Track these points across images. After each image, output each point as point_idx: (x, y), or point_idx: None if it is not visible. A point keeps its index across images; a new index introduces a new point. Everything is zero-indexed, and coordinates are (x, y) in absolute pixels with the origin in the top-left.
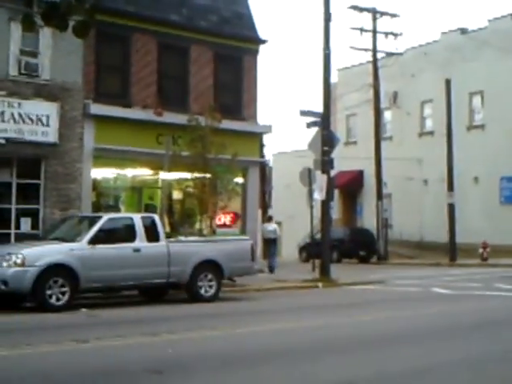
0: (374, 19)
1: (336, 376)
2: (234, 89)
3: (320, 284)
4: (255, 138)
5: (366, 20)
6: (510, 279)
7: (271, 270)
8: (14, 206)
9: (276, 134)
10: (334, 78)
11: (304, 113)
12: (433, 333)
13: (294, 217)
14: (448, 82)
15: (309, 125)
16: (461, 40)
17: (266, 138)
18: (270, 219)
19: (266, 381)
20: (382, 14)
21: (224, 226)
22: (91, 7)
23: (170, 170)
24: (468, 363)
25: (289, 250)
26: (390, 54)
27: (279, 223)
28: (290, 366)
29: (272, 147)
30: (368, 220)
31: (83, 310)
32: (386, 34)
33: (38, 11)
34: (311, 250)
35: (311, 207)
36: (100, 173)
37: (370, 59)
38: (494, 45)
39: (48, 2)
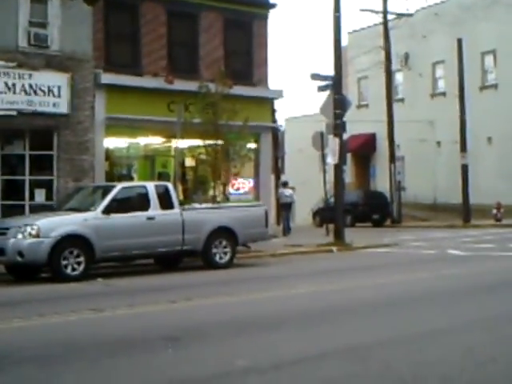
0: None
1: (352, 339)
2: (245, 54)
3: (334, 248)
4: (267, 104)
5: None
6: None
7: (287, 231)
8: (27, 178)
9: (288, 99)
10: (344, 41)
11: (315, 76)
12: (449, 294)
13: (307, 182)
14: (459, 42)
15: (320, 88)
16: None
17: (277, 103)
18: (285, 184)
19: (282, 345)
20: None
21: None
22: None
23: (182, 138)
24: (485, 324)
25: (302, 214)
26: (400, 16)
27: (292, 188)
28: (305, 330)
29: (284, 112)
30: (381, 183)
31: (99, 279)
32: None
33: None
34: (325, 215)
35: (324, 171)
36: (112, 142)
37: (381, 21)
38: (505, 3)
39: None
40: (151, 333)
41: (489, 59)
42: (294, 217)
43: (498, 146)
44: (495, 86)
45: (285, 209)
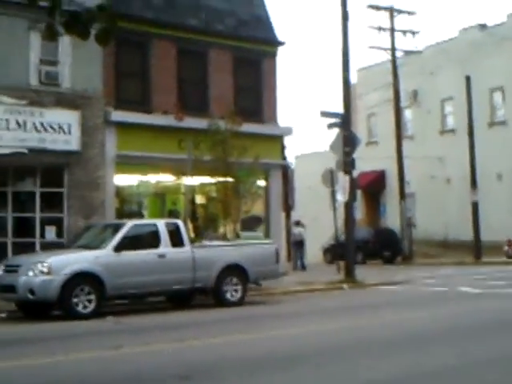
0: (392, 17)
1: (366, 376)
2: (254, 92)
3: (345, 285)
4: (276, 141)
5: (383, 19)
6: None
7: (301, 268)
8: (38, 215)
9: (297, 136)
10: (353, 78)
11: (324, 114)
12: (463, 332)
13: (318, 218)
14: (468, 79)
15: (330, 126)
16: (480, 36)
17: (287, 140)
18: (297, 223)
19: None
20: (400, 11)
21: None
22: (113, 14)
23: (192, 175)
24: (500, 362)
25: (313, 251)
26: (408, 53)
27: (302, 225)
28: (319, 369)
29: (294, 149)
30: (391, 220)
31: (110, 317)
32: (404, 32)
33: (59, 20)
34: (336, 252)
35: (334, 209)
36: (123, 179)
37: (389, 58)
38: None
39: (70, 10)
40: (162, 371)
41: (497, 96)
42: (304, 254)
43: (508, 182)
44: (504, 123)
45: (296, 247)
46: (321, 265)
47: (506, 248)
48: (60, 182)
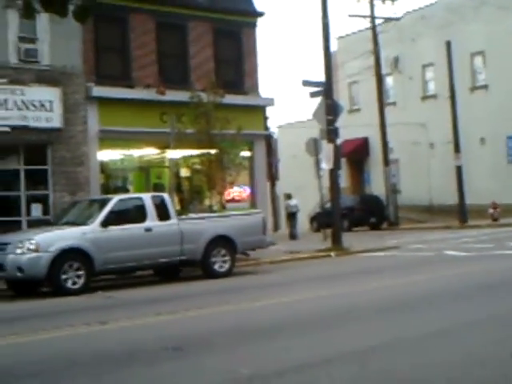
0: None
1: (354, 343)
2: (235, 63)
3: (333, 253)
4: (259, 111)
5: None
6: None
7: (294, 237)
8: (23, 193)
9: (280, 106)
10: (334, 47)
11: (306, 83)
12: (450, 295)
13: (303, 187)
14: (448, 44)
15: (312, 94)
16: (458, 1)
17: (269, 111)
18: (289, 196)
19: (285, 352)
20: None
21: (233, 200)
22: None
23: (175, 148)
24: (486, 324)
25: (299, 220)
26: (388, 20)
27: (288, 194)
28: (307, 336)
29: (276, 119)
30: (376, 187)
31: (100, 292)
32: None
33: None
34: (322, 220)
35: (319, 177)
36: (107, 155)
37: (369, 26)
38: (493, 3)
39: None
40: (153, 344)
41: (478, 60)
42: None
43: (491, 146)
44: (485, 87)
45: (291, 218)
46: (307, 233)
47: (491, 211)
48: (44, 159)
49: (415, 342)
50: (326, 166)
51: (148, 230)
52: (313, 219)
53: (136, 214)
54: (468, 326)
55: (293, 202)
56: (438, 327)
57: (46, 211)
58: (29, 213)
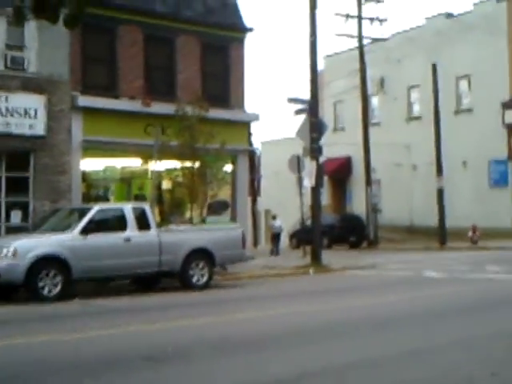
0: (359, 5)
1: (330, 359)
2: (221, 78)
3: (311, 270)
4: (243, 127)
5: (351, 6)
6: (499, 261)
7: (277, 253)
8: (3, 199)
9: (264, 123)
10: (320, 65)
11: (292, 100)
12: (426, 315)
13: (283, 204)
14: (434, 67)
15: (297, 112)
16: (446, 24)
17: (254, 127)
18: (274, 217)
19: (261, 366)
20: None
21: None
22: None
23: (159, 160)
24: (461, 344)
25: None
26: (375, 40)
27: (268, 211)
28: (284, 351)
29: (260, 135)
30: (357, 206)
31: (76, 299)
32: (372, 19)
33: (27, 4)
34: (301, 237)
35: (301, 194)
36: (89, 164)
37: (356, 45)
38: (479, 28)
39: None
40: (130, 353)
41: (463, 84)
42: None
43: (473, 170)
44: (470, 110)
45: (275, 238)
46: (286, 250)
47: (471, 234)
48: (26, 166)
49: (391, 360)
50: (307, 183)
51: (127, 239)
52: (292, 236)
53: (116, 223)
54: (437, 347)
55: (277, 222)
56: (414, 346)
57: (25, 218)
58: (8, 219)
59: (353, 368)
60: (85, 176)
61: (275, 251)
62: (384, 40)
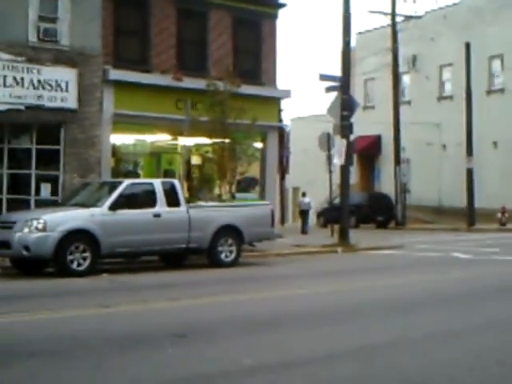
0: None
1: (357, 340)
2: (253, 53)
3: (339, 249)
4: (274, 103)
5: None
6: None
7: (305, 232)
8: (33, 172)
9: (294, 99)
10: (352, 43)
11: (323, 77)
12: (454, 297)
13: (312, 182)
14: (467, 46)
15: (328, 89)
16: (481, 3)
17: (284, 103)
18: (304, 194)
19: (290, 344)
20: None
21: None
22: None
23: (189, 135)
24: (490, 327)
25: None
26: (408, 18)
27: (297, 188)
28: (312, 330)
29: (290, 112)
30: (386, 185)
31: (105, 275)
32: None
33: None
34: (329, 215)
35: (330, 172)
36: (119, 138)
37: (389, 23)
38: None
39: None
40: (158, 330)
41: (496, 63)
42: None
43: (504, 151)
44: (502, 91)
45: (304, 214)
46: (314, 228)
47: (500, 215)
48: (56, 139)
49: (420, 342)
50: (337, 161)
51: (157, 215)
52: (320, 214)
53: (146, 199)
54: (472, 328)
55: (306, 199)
56: (444, 328)
57: (55, 192)
58: (38, 192)
59: (382, 348)
60: (114, 150)
61: (304, 229)
62: (417, 17)
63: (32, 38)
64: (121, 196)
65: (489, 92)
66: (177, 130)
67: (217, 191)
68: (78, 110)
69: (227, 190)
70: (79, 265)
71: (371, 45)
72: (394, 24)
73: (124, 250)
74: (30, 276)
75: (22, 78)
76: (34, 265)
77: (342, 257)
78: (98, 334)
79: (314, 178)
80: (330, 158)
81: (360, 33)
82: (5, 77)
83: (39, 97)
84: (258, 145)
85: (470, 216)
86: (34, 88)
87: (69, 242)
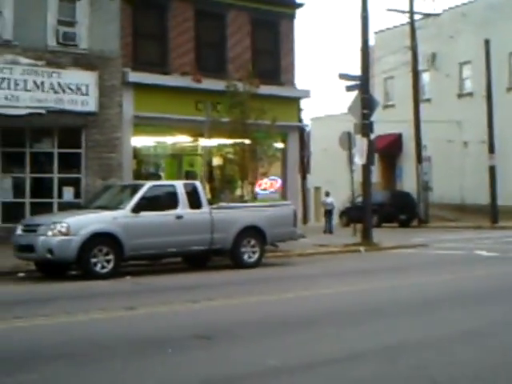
0: None
1: (381, 340)
2: (272, 54)
3: (362, 248)
4: (294, 103)
5: None
6: None
7: (330, 231)
8: (56, 176)
9: (313, 99)
10: (371, 41)
11: (343, 76)
12: (479, 296)
13: (333, 181)
14: (487, 43)
15: (348, 88)
16: None
17: (303, 103)
18: (327, 194)
19: (313, 345)
20: None
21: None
22: None
23: (209, 137)
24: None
25: (334, 216)
26: (427, 15)
27: (318, 188)
28: (336, 330)
29: (309, 112)
30: (408, 183)
31: (128, 277)
32: None
33: None
34: (352, 215)
35: (352, 171)
36: (140, 141)
37: (408, 21)
38: None
39: None
40: (182, 332)
41: None
42: (319, 217)
43: None
44: None
45: (328, 214)
46: (336, 228)
47: None
48: (78, 142)
49: (445, 341)
50: (358, 160)
51: (179, 217)
52: (342, 214)
53: (168, 200)
54: (497, 327)
55: (329, 199)
56: (469, 326)
57: (77, 195)
58: (60, 196)
59: (407, 348)
60: (135, 152)
61: (328, 229)
62: (436, 15)
63: (51, 42)
64: (143, 198)
65: (509, 89)
66: (197, 131)
67: (238, 192)
68: (98, 113)
69: (249, 190)
70: (103, 267)
71: (390, 43)
72: (412, 22)
73: (147, 252)
74: (53, 279)
75: (43, 82)
76: (57, 268)
77: (365, 256)
78: (122, 337)
79: (334, 177)
80: (351, 157)
81: (378, 31)
82: (25, 81)
83: (60, 100)
84: (279, 145)
85: (492, 213)
86: (55, 92)
87: (92, 245)
